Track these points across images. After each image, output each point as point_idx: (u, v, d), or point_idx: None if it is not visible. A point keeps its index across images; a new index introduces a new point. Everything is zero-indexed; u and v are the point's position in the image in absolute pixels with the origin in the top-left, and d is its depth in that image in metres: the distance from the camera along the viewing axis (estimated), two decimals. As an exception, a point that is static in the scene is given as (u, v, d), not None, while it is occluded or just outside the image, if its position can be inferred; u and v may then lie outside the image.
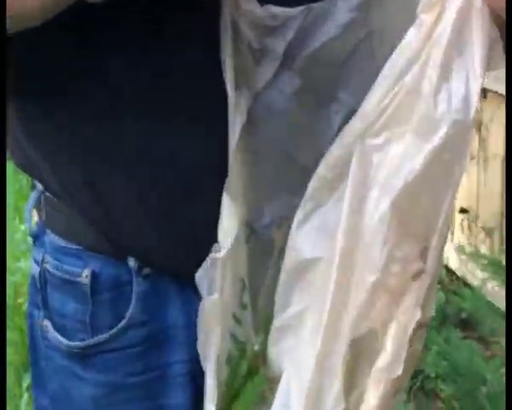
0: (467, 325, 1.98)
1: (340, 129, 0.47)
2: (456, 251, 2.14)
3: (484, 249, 2.05)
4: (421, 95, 0.40)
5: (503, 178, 1.90)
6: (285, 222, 0.49)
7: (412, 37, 0.41)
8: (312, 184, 0.45)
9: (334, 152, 0.44)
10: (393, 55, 0.41)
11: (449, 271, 2.19)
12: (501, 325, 1.81)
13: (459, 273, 2.14)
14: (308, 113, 0.51)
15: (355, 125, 0.43)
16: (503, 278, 1.90)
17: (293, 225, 0.45)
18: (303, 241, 0.44)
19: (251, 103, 0.50)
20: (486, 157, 1.98)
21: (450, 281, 2.17)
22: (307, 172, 0.47)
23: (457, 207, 2.13)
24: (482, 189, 2.03)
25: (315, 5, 0.50)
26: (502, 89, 1.83)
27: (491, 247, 2.02)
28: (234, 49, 0.48)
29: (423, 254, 0.41)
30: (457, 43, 0.40)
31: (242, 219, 0.50)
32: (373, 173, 0.42)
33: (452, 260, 2.16)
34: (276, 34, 0.49)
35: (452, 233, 2.19)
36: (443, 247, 0.44)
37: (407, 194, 0.40)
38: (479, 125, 1.98)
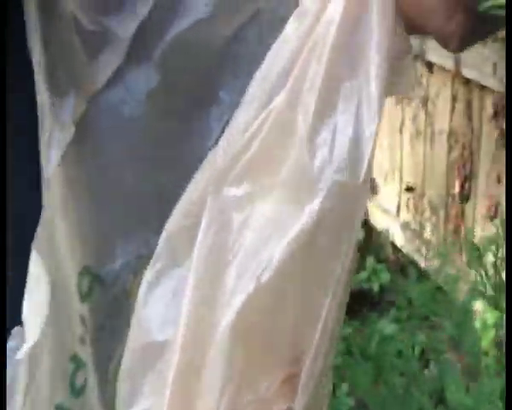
0: (412, 307, 1.95)
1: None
2: (402, 228, 2.12)
3: (429, 227, 2.02)
4: (295, 132, 0.26)
5: (449, 155, 1.87)
6: (145, 265, 0.33)
7: (289, 34, 0.26)
8: (165, 236, 0.30)
9: (192, 195, 0.29)
10: (264, 63, 0.27)
11: (395, 248, 2.16)
12: (443, 306, 1.80)
13: (404, 250, 2.12)
14: (173, 121, 0.36)
15: (214, 160, 0.28)
16: (447, 258, 1.89)
17: (141, 291, 0.31)
18: (152, 314, 0.30)
19: (82, 112, 0.34)
20: (433, 133, 1.94)
21: (395, 259, 2.15)
22: (173, 201, 0.32)
23: (404, 185, 2.10)
24: (429, 165, 1.99)
25: None
26: (448, 64, 1.79)
27: (437, 224, 1.99)
28: (50, 34, 0.31)
29: (289, 386, 0.26)
30: (347, 51, 0.25)
31: (78, 267, 0.35)
32: (229, 239, 0.27)
33: (398, 237, 2.14)
34: (121, 11, 0.33)
35: (398, 210, 2.15)
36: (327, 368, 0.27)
37: (267, 292, 0.25)
38: (425, 101, 1.93)
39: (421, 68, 1.92)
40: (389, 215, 2.19)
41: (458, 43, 0.24)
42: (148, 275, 0.30)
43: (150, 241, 0.35)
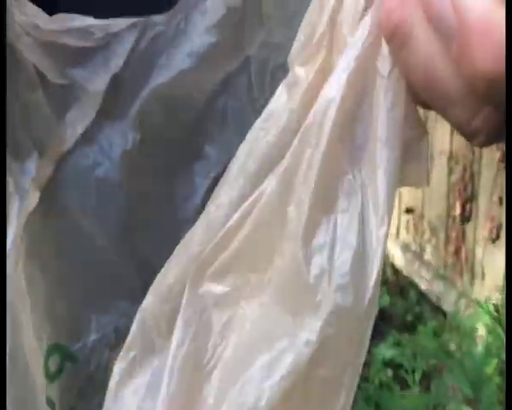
0: (412, 328, 1.92)
1: (208, 198, 0.25)
2: (402, 250, 2.08)
3: (429, 249, 1.99)
4: (286, 226, 0.21)
5: (449, 176, 1.84)
6: (124, 338, 0.28)
7: (277, 110, 0.22)
8: (139, 320, 0.25)
9: (169, 277, 0.25)
10: (249, 136, 0.23)
11: (395, 270, 2.13)
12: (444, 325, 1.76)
13: (404, 272, 2.09)
14: (153, 181, 0.32)
15: (191, 242, 0.24)
16: (447, 280, 1.85)
17: (112, 383, 0.26)
18: (124, 410, 0.26)
19: (48, 177, 0.30)
20: (432, 155, 1.91)
21: (395, 280, 2.11)
22: (152, 269, 0.27)
23: (403, 207, 2.07)
24: (428, 187, 1.96)
25: (155, 18, 0.30)
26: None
27: (437, 246, 1.96)
28: (9, 88, 0.26)
29: None
30: (349, 138, 0.21)
31: (44, 344, 0.31)
32: (209, 344, 0.23)
33: (398, 258, 2.10)
34: (92, 62, 0.29)
35: (398, 232, 2.12)
36: None
37: None
38: (425, 121, 1.91)
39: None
40: (389, 236, 2.15)
41: (484, 139, 0.20)
42: (120, 365, 0.26)
43: (128, 311, 0.31)
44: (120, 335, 0.32)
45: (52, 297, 0.32)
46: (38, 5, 0.28)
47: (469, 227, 1.81)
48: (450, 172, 1.85)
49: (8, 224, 0.29)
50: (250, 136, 0.22)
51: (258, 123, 0.22)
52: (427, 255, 2.02)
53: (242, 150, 0.22)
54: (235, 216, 0.22)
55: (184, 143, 0.31)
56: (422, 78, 0.20)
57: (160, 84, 0.30)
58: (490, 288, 1.75)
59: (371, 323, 0.21)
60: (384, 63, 0.21)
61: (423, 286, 1.99)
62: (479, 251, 1.78)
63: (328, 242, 0.20)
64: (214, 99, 0.30)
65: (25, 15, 0.27)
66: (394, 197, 0.21)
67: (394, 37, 0.20)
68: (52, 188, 0.31)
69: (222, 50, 0.30)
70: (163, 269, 0.25)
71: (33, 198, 0.30)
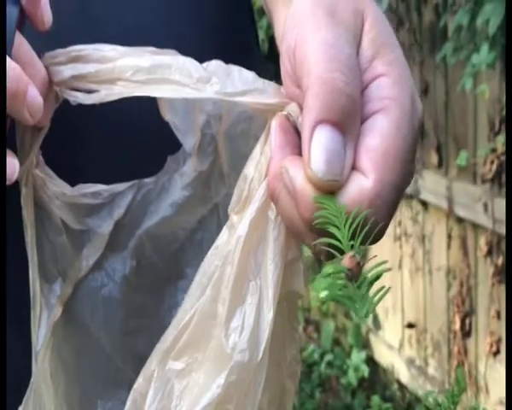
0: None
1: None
2: (406, 365, 2.10)
3: (432, 363, 2.01)
4: (217, 318, 0.33)
5: (448, 291, 1.90)
6: None
7: (218, 243, 0.34)
8: (132, 398, 0.34)
9: (152, 362, 0.34)
10: (203, 263, 0.34)
11: (400, 386, 2.13)
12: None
13: (410, 388, 2.10)
14: (146, 297, 0.43)
15: (164, 339, 0.35)
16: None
17: None
18: None
19: (68, 295, 0.41)
20: (431, 270, 1.98)
21: (401, 396, 2.12)
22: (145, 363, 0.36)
23: (405, 322, 2.11)
24: (429, 302, 2.01)
25: (147, 180, 0.42)
26: (442, 203, 1.87)
27: (440, 360, 1.98)
28: (42, 233, 0.39)
29: None
30: (253, 257, 0.32)
31: None
32: (171, 405, 0.33)
33: (403, 374, 2.12)
34: (101, 213, 0.41)
35: (401, 346, 2.15)
36: None
37: None
38: (422, 238, 2.00)
39: (416, 206, 2.01)
40: (393, 351, 2.18)
41: (324, 257, 0.31)
42: None
43: (126, 398, 0.40)
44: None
45: (69, 386, 0.42)
46: (64, 179, 0.41)
47: (470, 341, 1.85)
48: (449, 287, 1.91)
49: (39, 330, 0.39)
50: (205, 260, 0.34)
51: (210, 251, 0.34)
52: (431, 370, 2.04)
53: (200, 270, 0.34)
54: (187, 317, 0.33)
55: (170, 268, 0.43)
56: (286, 220, 0.32)
57: (151, 225, 0.42)
58: (495, 402, 1.75)
59: (264, 371, 0.33)
60: (272, 211, 0.34)
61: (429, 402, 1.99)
62: (481, 365, 1.80)
63: (240, 324, 0.31)
64: (193, 234, 0.43)
65: (56, 186, 0.40)
66: (277, 295, 0.32)
67: (271, 196, 0.33)
68: (71, 304, 0.42)
69: (195, 200, 0.42)
70: (148, 359, 0.35)
71: (57, 311, 0.41)
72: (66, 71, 0.36)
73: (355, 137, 0.31)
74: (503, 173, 1.65)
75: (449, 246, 1.89)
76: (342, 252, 0.29)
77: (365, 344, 2.29)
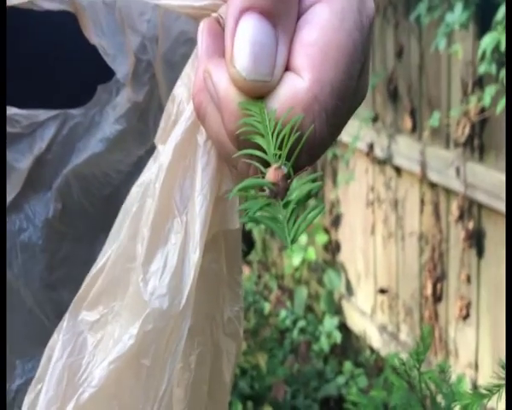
0: None
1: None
2: (379, 331, 2.10)
3: (404, 329, 2.02)
4: (135, 260, 0.28)
5: (420, 257, 1.90)
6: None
7: (146, 174, 0.29)
8: (46, 355, 0.29)
9: (67, 315, 0.30)
10: (127, 197, 0.29)
11: (372, 351, 2.14)
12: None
13: (382, 353, 2.10)
14: (74, 243, 0.37)
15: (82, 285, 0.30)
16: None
17: None
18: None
19: None
20: (404, 235, 1.97)
21: (373, 361, 2.12)
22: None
23: (377, 288, 2.11)
24: (401, 268, 2.01)
25: (73, 111, 0.37)
26: (414, 167, 1.85)
27: (412, 326, 1.99)
28: None
29: None
30: (179, 190, 0.27)
31: None
32: (83, 361, 0.28)
33: (375, 340, 2.12)
34: (19, 145, 0.35)
35: (373, 312, 2.15)
36: None
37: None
38: (395, 203, 1.98)
39: (389, 171, 1.99)
40: (365, 317, 2.18)
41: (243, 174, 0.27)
42: (30, 396, 0.30)
43: None
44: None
45: None
46: None
47: (441, 306, 1.85)
48: (421, 252, 1.91)
49: None
50: (128, 196, 0.29)
51: (134, 186, 0.29)
52: (403, 335, 2.04)
53: (123, 207, 0.29)
54: (101, 261, 0.28)
55: (103, 214, 0.37)
56: (215, 142, 0.27)
57: (78, 164, 0.36)
58: (464, 365, 1.76)
59: (188, 321, 0.26)
60: (201, 135, 0.28)
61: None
62: (451, 330, 1.81)
63: (161, 267, 0.26)
64: (129, 177, 0.37)
65: None
66: (205, 233, 0.27)
67: (197, 114, 0.27)
68: None
69: (129, 137, 0.36)
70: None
71: None
72: None
73: (289, 29, 0.25)
74: (476, 137, 1.63)
75: (421, 211, 1.88)
76: (270, 166, 0.23)
77: (338, 311, 2.28)
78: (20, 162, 0.36)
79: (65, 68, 0.38)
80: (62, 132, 0.36)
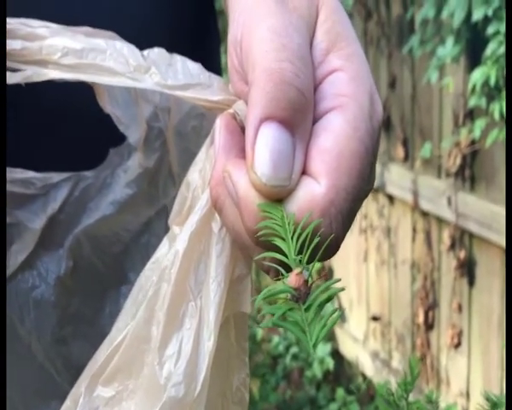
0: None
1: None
2: (371, 358, 2.11)
3: (396, 356, 2.02)
4: (150, 342, 0.29)
5: (412, 285, 1.91)
6: None
7: (160, 255, 0.30)
8: None
9: (81, 385, 0.31)
10: (139, 278, 0.31)
11: (365, 378, 2.14)
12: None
13: (375, 380, 2.10)
14: (85, 300, 0.39)
15: (93, 362, 0.31)
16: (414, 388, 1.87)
17: None
18: None
19: None
20: (396, 263, 1.99)
21: (365, 389, 2.13)
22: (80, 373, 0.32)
23: (369, 315, 2.12)
24: (393, 295, 2.02)
25: (86, 173, 0.38)
26: (407, 196, 1.88)
27: (404, 353, 1.99)
28: None
29: None
30: (194, 275, 0.28)
31: None
32: None
33: (368, 367, 2.13)
34: (33, 206, 0.37)
35: (366, 339, 2.16)
36: None
37: None
38: (387, 231, 2.00)
39: (382, 199, 2.01)
40: (358, 344, 2.19)
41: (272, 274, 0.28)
42: None
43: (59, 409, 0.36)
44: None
45: None
46: None
47: (433, 334, 1.86)
48: (413, 280, 1.92)
49: None
50: (142, 274, 0.30)
51: (148, 264, 0.30)
52: (395, 363, 2.05)
53: (137, 285, 0.30)
54: (119, 338, 0.29)
55: (112, 271, 0.38)
56: (231, 231, 0.29)
57: (89, 224, 0.38)
58: (455, 394, 1.77)
59: (202, 405, 0.27)
60: (216, 223, 0.29)
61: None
62: (443, 358, 1.82)
63: (176, 352, 0.28)
64: (138, 237, 0.39)
65: None
66: (220, 320, 0.28)
67: (214, 205, 0.29)
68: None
69: (140, 199, 0.38)
70: (78, 379, 0.31)
71: None
72: None
73: (306, 137, 0.27)
74: (467, 168, 1.65)
75: (413, 239, 1.90)
76: (290, 269, 0.24)
77: (330, 337, 2.29)
78: (34, 222, 0.37)
79: (79, 130, 0.39)
80: (75, 193, 0.38)
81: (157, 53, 0.31)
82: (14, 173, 0.36)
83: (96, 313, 0.39)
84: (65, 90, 0.36)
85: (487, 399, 0.51)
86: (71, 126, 0.39)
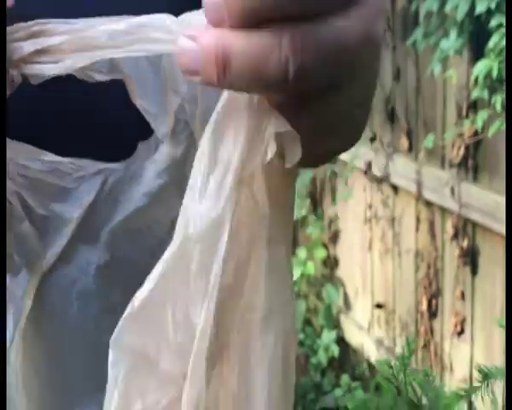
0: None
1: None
2: (376, 345, 2.14)
3: (400, 343, 2.05)
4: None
5: (416, 273, 1.94)
6: None
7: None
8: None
9: None
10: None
11: (370, 366, 2.18)
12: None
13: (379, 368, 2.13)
14: (124, 293, 0.35)
15: None
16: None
17: None
18: None
19: (36, 288, 0.38)
20: (400, 252, 2.01)
21: (370, 376, 2.16)
22: None
23: (374, 303, 2.15)
24: (398, 283, 2.05)
25: (115, 166, 0.38)
26: (411, 186, 1.90)
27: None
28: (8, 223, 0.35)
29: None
30: (226, 126, 0.29)
31: None
32: None
33: (372, 354, 2.16)
34: (68, 198, 0.37)
35: (370, 327, 2.19)
36: None
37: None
38: (392, 220, 2.03)
39: (386, 190, 2.04)
40: (362, 331, 2.22)
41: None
42: None
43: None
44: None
45: (42, 394, 0.40)
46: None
47: (437, 322, 1.89)
48: (417, 268, 1.95)
49: (8, 327, 0.37)
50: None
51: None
52: (399, 350, 2.08)
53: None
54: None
55: (148, 264, 0.39)
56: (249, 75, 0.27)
57: (123, 218, 0.39)
58: (459, 380, 1.80)
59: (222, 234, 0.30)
60: None
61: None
62: (446, 345, 1.85)
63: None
64: (172, 229, 0.39)
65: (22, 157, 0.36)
66: (243, 163, 0.29)
67: (220, 66, 0.28)
68: (41, 299, 0.39)
69: (171, 190, 0.39)
70: None
71: (26, 306, 0.38)
72: (27, 46, 0.31)
73: None
74: (470, 158, 1.68)
75: (417, 229, 1.92)
76: None
77: (336, 325, 2.32)
78: (69, 214, 0.38)
79: (108, 130, 0.40)
80: (106, 186, 0.39)
81: (191, 15, 0.29)
82: (50, 157, 0.37)
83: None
84: (92, 93, 0.36)
85: (479, 371, 0.54)
86: (98, 129, 0.40)
